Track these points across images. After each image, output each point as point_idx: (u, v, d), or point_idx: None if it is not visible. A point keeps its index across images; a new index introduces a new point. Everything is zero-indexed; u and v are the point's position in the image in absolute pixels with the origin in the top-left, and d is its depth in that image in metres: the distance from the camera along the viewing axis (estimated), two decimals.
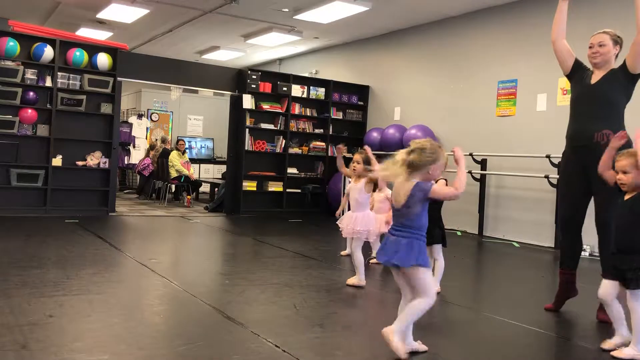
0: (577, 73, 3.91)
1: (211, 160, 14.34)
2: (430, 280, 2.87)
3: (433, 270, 4.18)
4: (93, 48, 8.30)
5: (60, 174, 8.06)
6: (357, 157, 4.64)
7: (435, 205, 4.21)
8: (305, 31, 10.08)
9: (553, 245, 7.04)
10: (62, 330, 2.95)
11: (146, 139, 12.91)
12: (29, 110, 7.77)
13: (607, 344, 3.02)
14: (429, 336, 3.25)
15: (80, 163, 8.21)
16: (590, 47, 3.79)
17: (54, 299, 3.51)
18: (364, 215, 4.48)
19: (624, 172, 3.00)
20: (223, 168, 12.18)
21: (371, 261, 5.29)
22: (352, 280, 4.38)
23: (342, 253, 5.70)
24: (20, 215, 7.56)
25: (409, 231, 2.81)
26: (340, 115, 10.41)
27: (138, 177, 12.17)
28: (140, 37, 11.14)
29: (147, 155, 12.06)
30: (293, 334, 3.10)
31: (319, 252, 5.95)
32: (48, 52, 7.86)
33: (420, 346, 2.90)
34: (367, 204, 4.57)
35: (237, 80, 9.55)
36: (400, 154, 2.83)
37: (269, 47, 11.54)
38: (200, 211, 9.64)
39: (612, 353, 2.94)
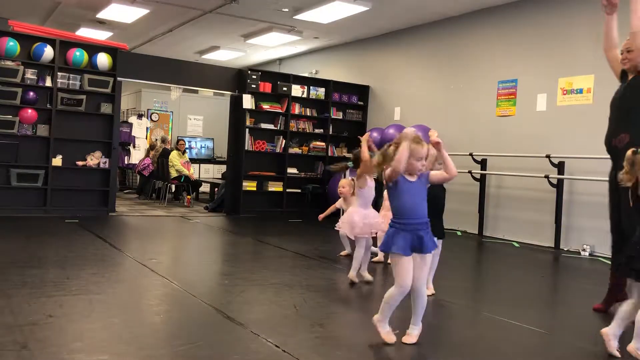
0: (621, 81, 3.93)
1: (211, 160, 14.34)
2: (397, 268, 2.98)
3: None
4: (93, 48, 8.30)
5: (60, 174, 8.06)
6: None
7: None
8: (305, 31, 10.08)
9: (553, 245, 7.04)
10: (62, 330, 2.95)
11: (146, 139, 12.91)
12: (29, 110, 7.77)
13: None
14: (429, 336, 3.25)
15: (80, 163, 8.21)
16: (621, 54, 3.83)
17: (54, 299, 3.51)
18: (355, 211, 4.49)
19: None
20: (223, 168, 12.17)
21: (374, 259, 5.31)
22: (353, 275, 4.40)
23: (342, 253, 5.70)
24: (20, 215, 7.56)
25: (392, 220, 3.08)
26: (340, 115, 10.40)
27: (138, 177, 12.17)
28: (140, 37, 11.14)
29: (147, 155, 12.06)
30: (293, 334, 3.10)
31: (319, 252, 5.95)
32: (48, 52, 7.86)
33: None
34: (361, 200, 4.53)
35: (237, 80, 9.55)
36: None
37: (269, 47, 11.54)
38: (200, 211, 9.64)
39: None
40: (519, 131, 7.70)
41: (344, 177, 5.34)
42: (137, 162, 12.20)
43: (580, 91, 7.02)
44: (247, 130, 9.43)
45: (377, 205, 5.10)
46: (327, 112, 10.25)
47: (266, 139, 9.68)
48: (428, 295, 4.09)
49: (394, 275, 3.00)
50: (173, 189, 10.90)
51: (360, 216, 4.45)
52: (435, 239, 4.18)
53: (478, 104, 8.33)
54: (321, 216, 5.57)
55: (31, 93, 7.80)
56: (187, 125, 14.48)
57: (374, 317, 3.06)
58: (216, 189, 10.63)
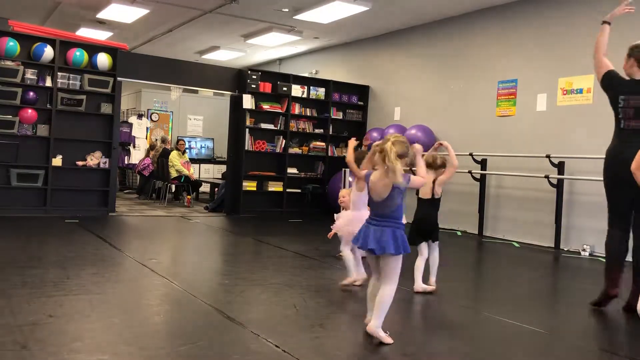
0: None
1: (211, 160, 14.34)
2: (399, 269, 3.05)
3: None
4: (93, 48, 8.30)
5: (60, 174, 8.06)
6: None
7: (435, 203, 4.23)
8: (305, 31, 10.08)
9: (553, 245, 7.04)
10: (62, 330, 2.95)
11: (146, 139, 12.91)
12: (29, 110, 7.77)
13: None
14: (429, 335, 3.25)
15: (80, 163, 8.21)
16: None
17: (54, 299, 3.51)
18: (359, 215, 4.38)
19: None
20: (223, 168, 12.17)
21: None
22: (346, 280, 4.35)
23: (342, 253, 5.68)
24: (20, 215, 7.56)
25: (392, 221, 3.03)
26: (340, 115, 10.40)
27: (138, 177, 12.17)
28: (140, 37, 11.14)
29: (147, 155, 12.06)
30: (293, 334, 3.10)
31: (319, 252, 5.95)
32: (48, 52, 7.86)
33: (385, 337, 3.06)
34: (361, 204, 4.46)
35: (237, 80, 9.55)
36: (391, 149, 2.96)
37: (269, 47, 11.54)
38: (200, 211, 9.64)
39: None
40: (519, 131, 7.70)
41: (344, 186, 5.32)
42: (137, 162, 12.20)
43: (580, 91, 7.02)
44: (247, 130, 9.43)
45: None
46: (327, 112, 10.25)
47: (266, 139, 9.68)
48: (430, 292, 4.17)
49: (392, 275, 3.00)
50: (173, 189, 10.90)
51: (347, 219, 4.36)
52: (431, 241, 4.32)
53: (478, 104, 8.33)
54: (330, 235, 5.48)
55: (31, 93, 7.80)
56: (187, 125, 14.48)
57: (369, 326, 2.99)
58: (216, 189, 10.63)
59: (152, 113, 13.72)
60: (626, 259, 3.87)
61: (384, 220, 3.03)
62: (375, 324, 2.98)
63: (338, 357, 2.80)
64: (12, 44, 7.63)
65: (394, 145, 2.94)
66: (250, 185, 9.52)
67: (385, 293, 3.01)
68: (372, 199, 3.08)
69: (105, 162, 8.35)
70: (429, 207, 4.23)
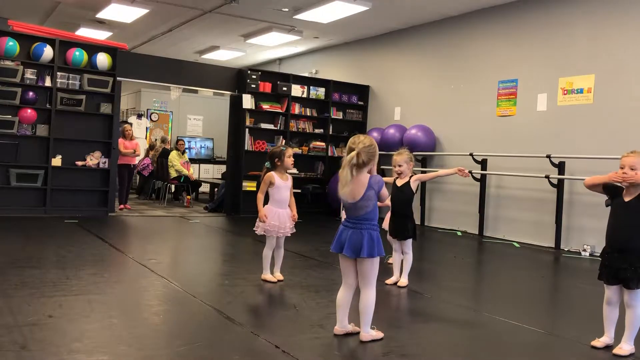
0: None
1: (211, 160, 14.33)
2: (377, 271, 3.05)
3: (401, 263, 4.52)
4: (93, 48, 8.30)
5: (60, 174, 8.05)
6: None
7: (407, 200, 4.42)
8: (305, 31, 10.07)
9: (553, 246, 7.04)
10: (62, 330, 2.94)
11: (146, 139, 12.90)
12: (29, 110, 7.76)
13: (598, 343, 3.10)
14: (429, 335, 3.25)
15: (79, 163, 8.21)
16: None
17: (53, 299, 3.50)
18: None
19: (632, 169, 2.98)
20: (223, 168, 12.17)
21: (389, 260, 5.33)
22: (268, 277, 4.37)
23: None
24: (20, 215, 7.56)
25: (369, 223, 3.00)
26: (340, 115, 10.40)
27: (138, 177, 12.16)
28: (140, 37, 11.14)
29: (146, 155, 12.06)
30: (293, 334, 3.10)
31: (319, 252, 5.95)
32: (48, 52, 7.85)
33: (354, 328, 3.09)
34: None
35: (237, 80, 9.54)
36: (349, 158, 2.93)
37: (269, 47, 11.54)
38: (200, 211, 9.64)
39: (614, 351, 3.00)
40: (519, 131, 7.70)
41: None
42: (136, 162, 12.18)
43: (581, 91, 7.01)
44: (247, 130, 9.43)
45: None
46: (327, 112, 10.25)
47: (266, 139, 9.67)
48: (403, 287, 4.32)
49: (370, 279, 3.02)
50: (173, 189, 10.90)
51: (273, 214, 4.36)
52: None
53: (478, 104, 8.32)
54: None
55: (31, 93, 7.80)
56: (186, 125, 14.48)
57: (361, 336, 3.00)
58: (216, 189, 10.62)
59: (152, 113, 13.72)
60: None
61: (359, 222, 2.99)
62: (365, 332, 2.98)
63: (338, 357, 2.80)
64: (12, 44, 7.63)
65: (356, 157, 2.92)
66: (250, 185, 9.50)
67: (368, 298, 2.99)
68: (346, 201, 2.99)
69: (105, 162, 8.34)
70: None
